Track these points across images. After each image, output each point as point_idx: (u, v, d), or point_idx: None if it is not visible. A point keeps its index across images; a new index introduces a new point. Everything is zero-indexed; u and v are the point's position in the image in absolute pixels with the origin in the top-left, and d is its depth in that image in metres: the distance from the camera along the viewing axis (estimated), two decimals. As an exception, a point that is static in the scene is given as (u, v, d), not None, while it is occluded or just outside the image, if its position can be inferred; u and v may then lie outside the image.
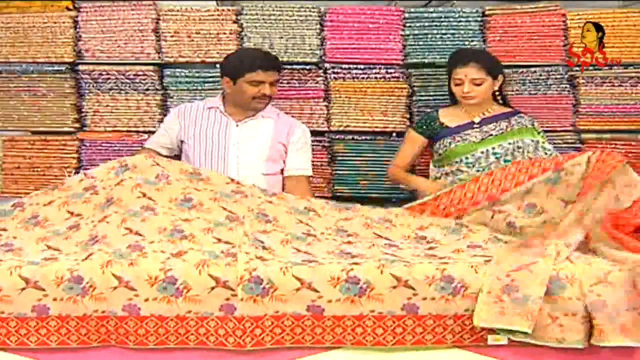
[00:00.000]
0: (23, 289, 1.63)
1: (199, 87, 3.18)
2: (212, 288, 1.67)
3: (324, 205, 2.30)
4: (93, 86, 3.18)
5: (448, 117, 2.89)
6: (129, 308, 1.65)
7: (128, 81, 3.17)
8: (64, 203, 2.07)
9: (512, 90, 3.22)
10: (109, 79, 3.18)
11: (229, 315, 1.67)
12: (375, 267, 1.71)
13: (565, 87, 3.23)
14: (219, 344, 1.67)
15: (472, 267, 1.73)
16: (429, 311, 1.68)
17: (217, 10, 3.18)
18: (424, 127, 2.92)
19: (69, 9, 3.17)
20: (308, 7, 3.18)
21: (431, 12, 3.22)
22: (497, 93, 2.90)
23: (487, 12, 3.22)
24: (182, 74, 3.18)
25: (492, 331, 1.68)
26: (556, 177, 2.16)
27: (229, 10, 3.19)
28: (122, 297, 1.65)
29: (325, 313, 1.67)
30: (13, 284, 1.63)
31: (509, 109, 2.92)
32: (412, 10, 3.23)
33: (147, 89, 3.18)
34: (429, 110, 3.05)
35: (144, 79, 3.18)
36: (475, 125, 2.81)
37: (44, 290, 1.64)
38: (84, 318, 1.65)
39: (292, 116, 3.06)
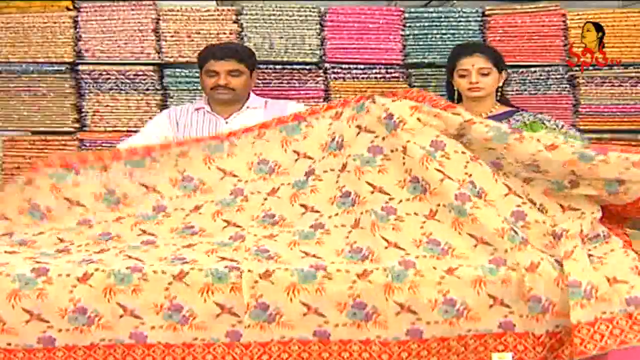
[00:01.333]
0: (27, 321, 1.62)
1: (199, 87, 3.17)
2: (218, 315, 1.66)
3: (320, 154, 2.09)
4: (93, 86, 3.18)
5: None
6: (136, 336, 1.65)
7: (128, 81, 3.18)
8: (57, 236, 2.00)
9: (512, 90, 3.22)
10: (109, 79, 3.18)
11: (235, 341, 1.66)
12: (381, 292, 1.68)
13: (565, 87, 3.23)
14: None
15: (474, 287, 1.70)
16: (433, 334, 1.68)
17: (217, 10, 3.19)
18: None
19: (69, 9, 3.17)
20: (308, 7, 3.19)
21: (431, 12, 3.22)
22: (499, 91, 2.79)
23: (487, 12, 3.22)
24: (182, 74, 3.19)
25: (496, 350, 1.69)
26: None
27: (229, 10, 3.19)
28: (128, 325, 1.65)
29: (332, 338, 1.67)
30: (16, 316, 1.62)
31: (511, 108, 2.86)
32: (412, 10, 3.23)
33: (147, 89, 3.18)
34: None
35: (144, 79, 3.18)
36: None
37: (48, 322, 1.63)
38: (91, 347, 1.64)
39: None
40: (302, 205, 2.01)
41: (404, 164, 1.95)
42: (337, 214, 1.96)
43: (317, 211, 1.99)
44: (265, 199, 2.05)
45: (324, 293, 1.67)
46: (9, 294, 1.63)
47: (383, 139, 1.99)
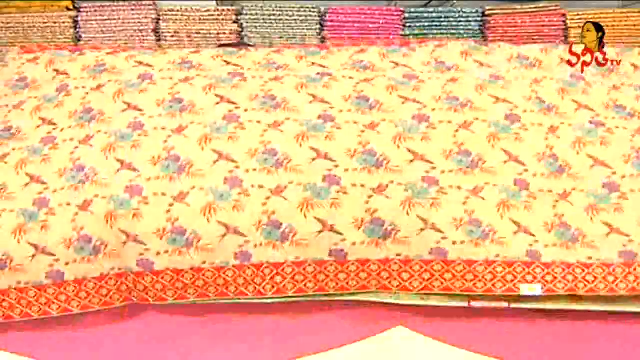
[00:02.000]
0: (33, 255, 1.56)
1: (199, 87, 3.19)
2: (223, 236, 1.56)
3: (338, 68, 1.95)
4: (93, 86, 3.18)
5: None
6: (142, 263, 1.58)
7: (128, 81, 3.18)
8: (36, 108, 1.85)
9: (512, 90, 3.23)
10: (109, 79, 3.18)
11: (245, 262, 1.57)
12: (399, 206, 1.58)
13: (565, 87, 3.23)
14: (239, 294, 1.60)
15: (498, 210, 1.60)
16: (459, 255, 1.57)
17: (217, 10, 3.19)
18: None
19: (69, 9, 3.18)
20: (308, 7, 3.19)
21: (431, 12, 3.23)
22: None
23: (487, 12, 3.23)
24: (182, 74, 3.19)
25: (526, 280, 1.58)
26: None
27: (229, 10, 3.19)
28: (133, 251, 1.57)
29: (349, 257, 1.58)
30: (23, 252, 1.56)
31: None
32: (412, 10, 3.23)
33: (147, 89, 3.19)
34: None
35: (144, 79, 3.18)
36: None
37: (54, 255, 1.56)
38: (101, 278, 1.58)
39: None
40: (311, 95, 1.81)
41: (443, 87, 1.85)
42: (349, 110, 1.77)
43: (328, 102, 1.79)
44: (267, 82, 1.86)
45: (339, 208, 1.57)
46: (14, 229, 1.58)
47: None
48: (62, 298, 1.58)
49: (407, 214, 1.57)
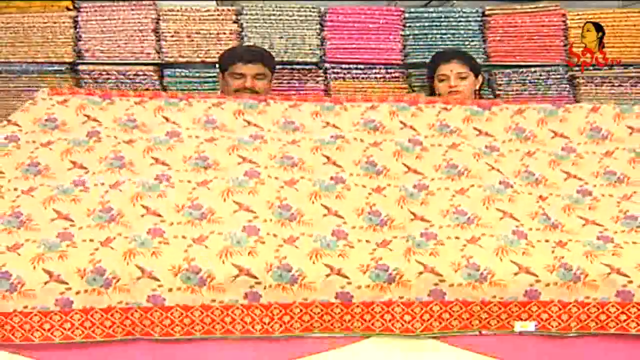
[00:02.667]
0: (46, 282, 1.59)
1: (199, 87, 3.18)
2: (236, 276, 1.64)
3: (351, 129, 2.18)
4: (93, 86, 3.18)
5: None
6: (154, 299, 1.63)
7: (128, 81, 3.18)
8: (66, 151, 1.99)
9: (512, 90, 3.22)
10: (109, 79, 3.18)
11: (254, 302, 1.65)
12: (402, 255, 1.70)
13: (565, 87, 3.24)
14: (245, 332, 1.65)
15: (497, 254, 1.70)
16: (456, 297, 1.67)
17: (217, 10, 3.19)
18: None
19: (69, 9, 3.17)
20: (308, 7, 3.19)
21: (431, 12, 3.23)
22: (477, 94, 2.87)
23: (487, 12, 3.23)
24: (182, 74, 3.19)
25: (520, 318, 1.67)
26: None
27: (229, 10, 3.19)
28: (145, 287, 1.63)
29: (354, 300, 1.66)
30: (37, 277, 1.59)
31: None
32: (412, 10, 3.24)
33: (147, 89, 3.18)
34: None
35: (144, 79, 3.18)
36: None
37: (67, 283, 1.60)
38: (108, 310, 1.62)
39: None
40: (325, 156, 2.04)
41: (444, 154, 2.08)
42: (358, 174, 2.00)
43: (339, 166, 2.01)
44: (285, 145, 2.08)
45: (346, 257, 1.68)
46: (32, 257, 1.62)
47: (426, 136, 2.16)
48: (66, 326, 1.61)
49: (408, 261, 1.68)
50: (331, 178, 1.96)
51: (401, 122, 2.20)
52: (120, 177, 1.91)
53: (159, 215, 1.78)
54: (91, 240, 1.69)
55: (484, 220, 1.82)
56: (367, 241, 1.77)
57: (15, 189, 1.87)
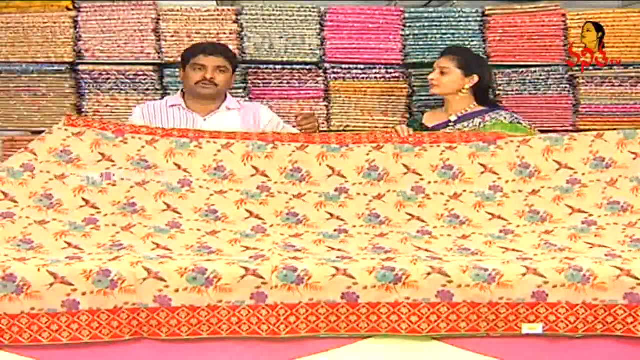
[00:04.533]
0: (52, 284, 1.62)
1: (199, 87, 3.18)
2: (242, 277, 1.66)
3: (355, 180, 2.26)
4: (93, 86, 3.18)
5: (430, 118, 2.88)
6: (160, 299, 1.65)
7: (128, 81, 3.18)
8: (79, 189, 2.08)
9: (512, 90, 3.22)
10: (109, 79, 3.18)
11: (260, 303, 1.66)
12: (409, 262, 1.73)
13: (565, 87, 3.23)
14: (252, 333, 1.67)
15: (504, 263, 1.73)
16: (464, 298, 1.68)
17: (217, 10, 3.19)
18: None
19: (69, 9, 3.17)
20: (308, 7, 3.19)
21: (431, 12, 3.22)
22: (476, 93, 2.82)
23: (487, 12, 3.22)
24: (182, 74, 3.19)
25: (527, 320, 1.68)
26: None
27: (229, 10, 3.19)
28: (152, 288, 1.65)
29: (360, 300, 1.67)
30: (41, 280, 1.62)
31: (488, 107, 2.84)
32: (412, 10, 3.23)
33: (147, 89, 3.18)
34: (428, 110, 3.06)
35: (144, 79, 3.18)
36: (450, 124, 2.77)
37: (72, 285, 1.63)
38: (115, 311, 1.65)
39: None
40: (328, 213, 2.15)
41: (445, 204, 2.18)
42: (362, 225, 2.11)
43: (343, 220, 2.13)
44: (291, 200, 2.17)
45: (352, 264, 1.72)
46: (38, 265, 1.65)
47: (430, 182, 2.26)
48: (74, 327, 1.64)
49: (415, 263, 1.71)
50: (335, 230, 2.08)
51: (404, 164, 2.28)
52: (132, 221, 2.01)
53: (169, 250, 1.86)
54: (100, 259, 1.73)
55: (487, 253, 1.89)
56: (372, 259, 1.79)
57: (28, 217, 1.95)
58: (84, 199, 2.04)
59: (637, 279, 1.66)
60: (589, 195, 2.13)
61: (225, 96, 2.85)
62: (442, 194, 2.21)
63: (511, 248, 1.92)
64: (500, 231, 2.05)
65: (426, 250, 1.90)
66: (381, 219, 2.13)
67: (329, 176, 2.25)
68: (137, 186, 2.13)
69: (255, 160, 2.26)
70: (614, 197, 2.11)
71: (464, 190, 2.21)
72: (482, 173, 2.24)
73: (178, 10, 3.17)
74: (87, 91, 3.19)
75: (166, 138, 2.29)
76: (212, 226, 2.04)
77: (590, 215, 1.99)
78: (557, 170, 2.23)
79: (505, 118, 2.70)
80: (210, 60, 2.72)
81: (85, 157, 2.18)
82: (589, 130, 3.17)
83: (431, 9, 3.26)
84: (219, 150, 2.27)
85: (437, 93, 2.81)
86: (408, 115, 3.23)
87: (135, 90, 3.18)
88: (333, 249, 1.92)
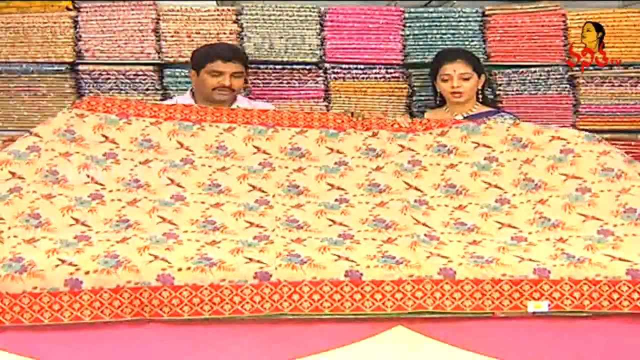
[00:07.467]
0: (57, 265, 1.64)
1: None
2: (246, 263, 1.69)
3: (354, 154, 2.31)
4: (93, 86, 3.18)
5: (432, 117, 2.88)
6: (163, 278, 1.65)
7: (128, 81, 3.17)
8: (84, 166, 2.09)
9: (512, 90, 3.22)
10: (109, 79, 3.18)
11: (264, 281, 1.67)
12: (408, 247, 1.77)
13: (565, 87, 3.23)
14: (255, 311, 1.66)
15: (499, 250, 1.77)
16: (466, 275, 1.69)
17: (217, 10, 3.18)
18: None
19: (69, 9, 3.17)
20: (308, 7, 3.19)
21: (431, 12, 3.22)
22: (479, 93, 2.87)
23: (487, 12, 3.22)
24: (182, 74, 3.18)
25: (532, 297, 1.68)
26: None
27: (229, 10, 3.19)
28: (156, 267, 1.66)
29: (364, 278, 1.68)
30: (49, 262, 1.65)
31: (491, 109, 2.89)
32: (412, 10, 3.23)
33: (147, 89, 3.18)
34: (428, 110, 3.06)
35: (144, 79, 3.18)
36: None
37: (76, 265, 1.64)
38: (117, 290, 1.64)
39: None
40: (329, 184, 2.16)
41: (442, 173, 2.20)
42: (362, 194, 2.12)
43: (344, 189, 2.14)
44: (292, 172, 2.20)
45: (353, 250, 1.76)
46: (48, 249, 1.67)
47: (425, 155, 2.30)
48: (75, 306, 1.63)
49: (414, 249, 1.76)
50: (335, 200, 2.09)
51: (399, 145, 2.33)
52: (137, 195, 2.02)
53: (175, 225, 1.88)
54: (108, 240, 1.75)
55: (482, 229, 1.95)
56: (372, 239, 1.86)
57: (35, 192, 1.95)
58: (88, 176, 2.06)
59: (630, 261, 1.69)
60: (583, 164, 2.14)
61: (236, 96, 2.86)
62: (437, 164, 2.24)
63: (506, 223, 1.95)
64: (496, 200, 2.07)
65: (424, 224, 1.93)
66: (381, 187, 2.15)
67: (328, 154, 2.29)
68: (140, 165, 2.15)
69: (257, 142, 2.30)
70: (607, 164, 2.11)
71: (460, 162, 2.24)
72: (476, 147, 2.29)
73: (178, 10, 3.17)
74: (87, 91, 3.18)
75: (169, 120, 2.33)
76: (215, 199, 2.06)
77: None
78: (551, 140, 2.25)
79: (509, 121, 2.69)
80: (229, 66, 2.73)
81: (89, 137, 2.21)
82: (589, 131, 3.18)
83: (431, 9, 3.26)
84: (220, 133, 2.32)
85: (462, 101, 2.80)
86: (408, 116, 3.23)
87: (135, 90, 3.18)
88: (334, 222, 1.95)
